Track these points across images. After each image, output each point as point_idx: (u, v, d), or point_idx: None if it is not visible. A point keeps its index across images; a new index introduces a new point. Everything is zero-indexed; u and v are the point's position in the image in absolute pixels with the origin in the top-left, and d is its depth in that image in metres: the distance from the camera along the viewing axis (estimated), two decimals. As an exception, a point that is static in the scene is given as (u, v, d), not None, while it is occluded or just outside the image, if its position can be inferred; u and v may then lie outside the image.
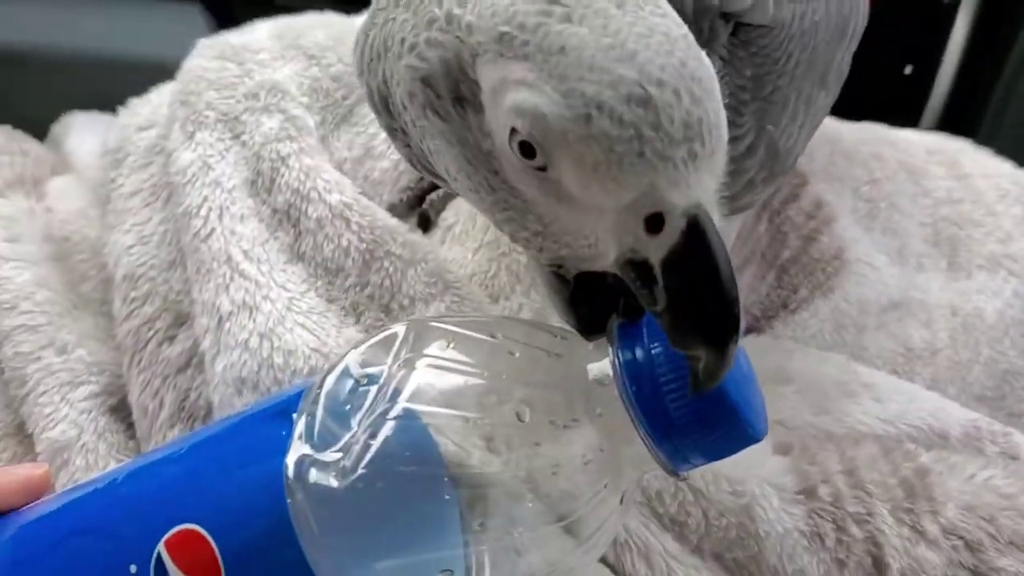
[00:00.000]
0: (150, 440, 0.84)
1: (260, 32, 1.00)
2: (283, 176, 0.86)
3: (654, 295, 0.46)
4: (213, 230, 0.84)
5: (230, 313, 0.80)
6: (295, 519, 0.49)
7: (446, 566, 0.49)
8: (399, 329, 0.55)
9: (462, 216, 0.91)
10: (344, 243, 0.83)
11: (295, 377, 0.76)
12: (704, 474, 0.71)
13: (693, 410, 0.48)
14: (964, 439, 0.80)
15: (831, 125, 1.08)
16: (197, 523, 0.50)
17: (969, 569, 0.69)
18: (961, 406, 0.86)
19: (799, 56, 0.67)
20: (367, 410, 0.50)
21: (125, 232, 0.93)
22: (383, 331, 0.55)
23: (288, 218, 0.85)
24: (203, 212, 0.85)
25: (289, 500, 0.49)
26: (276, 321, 0.78)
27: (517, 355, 0.53)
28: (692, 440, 0.49)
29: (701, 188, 0.45)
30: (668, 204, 0.44)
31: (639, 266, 0.46)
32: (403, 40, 0.53)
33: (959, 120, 1.56)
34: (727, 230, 0.78)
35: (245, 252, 0.83)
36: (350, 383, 0.52)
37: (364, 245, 0.82)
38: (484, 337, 0.54)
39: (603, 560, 0.70)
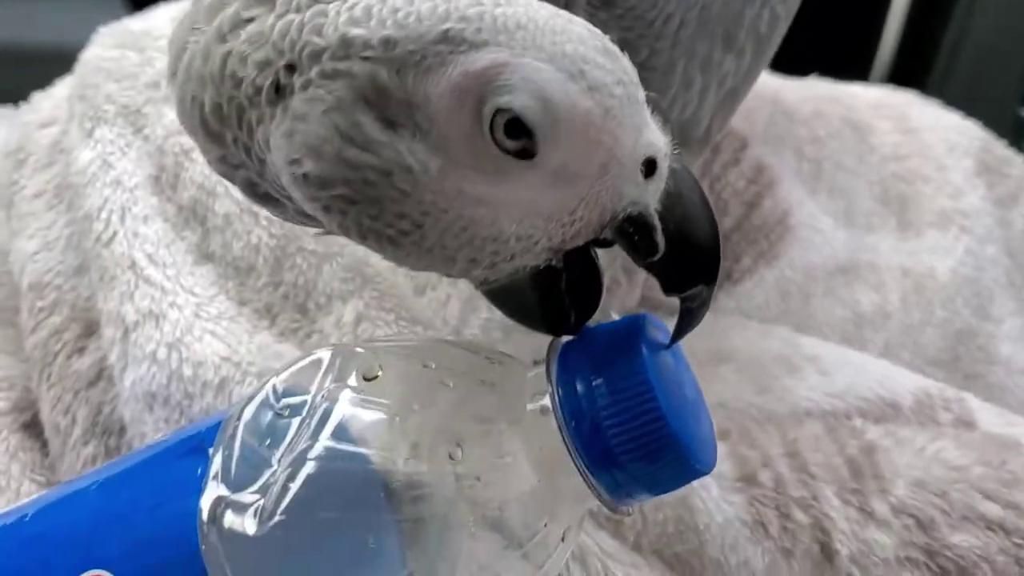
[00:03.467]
0: (63, 459, 0.79)
1: (161, 16, 0.94)
2: (187, 171, 0.81)
3: (654, 244, 0.46)
4: (115, 233, 0.79)
5: (136, 323, 0.75)
6: (209, 566, 0.46)
7: None
8: (324, 355, 0.51)
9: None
10: (254, 240, 0.78)
11: (206, 389, 0.71)
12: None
13: (634, 443, 0.45)
14: (916, 407, 0.77)
15: (771, 83, 1.04)
16: (107, 568, 0.47)
17: (921, 548, 0.66)
18: (915, 372, 0.83)
19: (683, 16, 0.63)
20: (288, 446, 0.46)
21: (29, 238, 0.87)
22: (307, 356, 0.51)
23: (195, 215, 0.80)
24: (104, 215, 0.80)
25: (203, 546, 0.46)
26: (184, 330, 0.73)
27: (451, 385, 0.49)
28: (633, 474, 0.46)
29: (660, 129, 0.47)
30: (655, 147, 0.46)
31: (635, 219, 0.46)
32: (273, 84, 0.46)
33: (908, 70, 1.53)
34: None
35: (149, 256, 0.77)
36: (270, 415, 0.48)
37: (275, 241, 0.78)
38: (416, 366, 0.50)
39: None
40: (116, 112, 0.85)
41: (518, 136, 0.43)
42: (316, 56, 0.44)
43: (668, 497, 0.66)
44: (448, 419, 0.47)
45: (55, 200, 0.88)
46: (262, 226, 0.78)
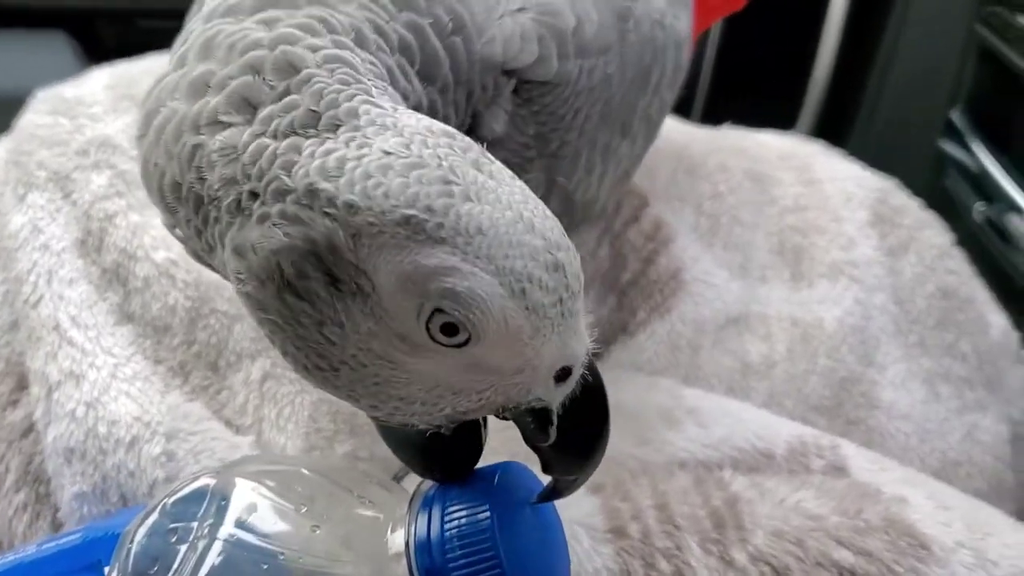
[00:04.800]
0: (-5, 507, 0.84)
1: (95, 82, 0.99)
2: (111, 235, 0.86)
3: (546, 434, 0.51)
4: (42, 296, 0.84)
5: (58, 382, 0.80)
6: None
7: None
8: (208, 483, 0.54)
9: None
10: (171, 301, 0.83)
11: (118, 446, 0.76)
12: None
13: None
14: (789, 456, 0.82)
15: (679, 136, 1.09)
16: None
17: None
18: (796, 419, 0.88)
19: (589, 110, 0.68)
20: (175, 574, 0.50)
21: (-32, 294, 0.92)
22: (193, 481, 0.55)
23: (117, 277, 0.85)
24: (32, 277, 0.85)
25: None
26: (101, 390, 0.78)
27: (319, 532, 0.53)
28: None
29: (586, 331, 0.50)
30: (575, 358, 0.49)
31: (535, 411, 0.51)
32: (234, 201, 0.49)
33: (837, 105, 1.58)
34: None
35: (72, 318, 0.82)
36: (161, 538, 0.52)
37: (190, 303, 0.83)
38: (289, 506, 0.53)
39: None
40: (47, 178, 0.90)
41: (451, 334, 0.46)
42: (280, 194, 0.46)
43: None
44: (314, 562, 0.51)
45: (-8, 259, 0.93)
46: (179, 288, 0.83)
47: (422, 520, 0.52)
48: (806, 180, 1.08)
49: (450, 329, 0.46)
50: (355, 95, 0.49)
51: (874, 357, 0.97)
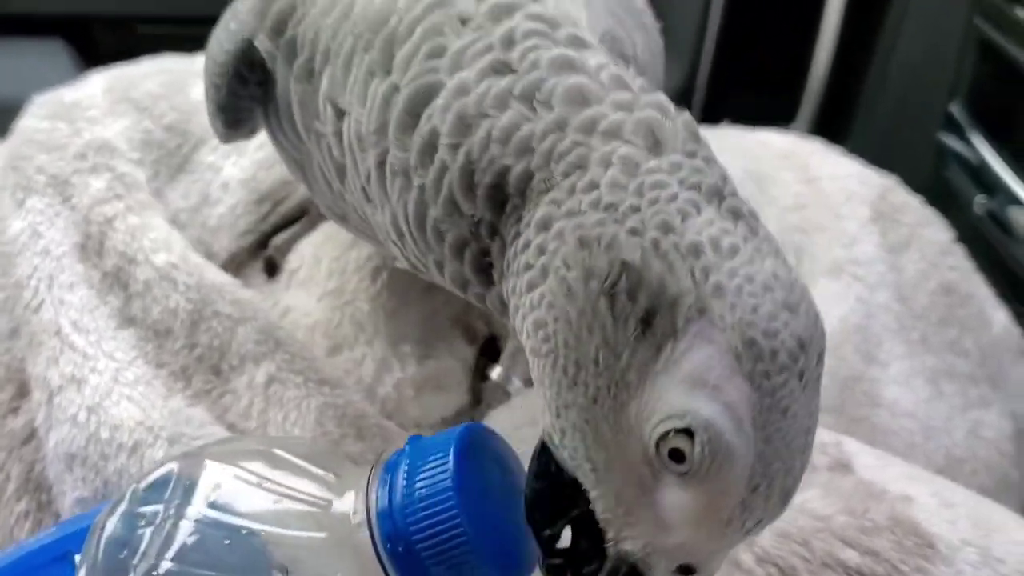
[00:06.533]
0: (-3, 515, 0.84)
1: (93, 86, 0.99)
2: (111, 239, 0.86)
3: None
4: (43, 301, 0.84)
5: (60, 387, 0.79)
6: None
7: None
8: (173, 467, 0.54)
9: (306, 260, 0.91)
10: (172, 304, 0.83)
11: (120, 451, 0.76)
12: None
13: (442, 557, 0.49)
14: None
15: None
16: None
17: None
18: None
19: None
20: (142, 557, 0.50)
21: (-33, 301, 0.92)
22: (160, 467, 0.54)
23: (118, 281, 0.85)
24: (32, 282, 0.84)
25: None
26: (103, 395, 0.78)
27: (290, 507, 0.53)
28: None
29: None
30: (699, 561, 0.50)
31: (631, 567, 0.50)
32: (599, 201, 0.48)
33: (837, 98, 1.58)
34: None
35: (74, 322, 0.82)
36: (128, 525, 0.52)
37: (192, 306, 0.82)
38: (252, 484, 0.53)
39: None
40: (46, 182, 0.89)
41: (678, 460, 0.46)
42: (663, 228, 0.47)
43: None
44: (279, 538, 0.51)
45: (-9, 265, 0.93)
46: (180, 291, 0.83)
47: (383, 487, 0.51)
48: (806, 179, 1.08)
49: (677, 456, 0.46)
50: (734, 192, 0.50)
51: (877, 355, 0.97)
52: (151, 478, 0.54)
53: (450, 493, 0.49)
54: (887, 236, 1.04)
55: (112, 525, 0.52)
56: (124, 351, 0.82)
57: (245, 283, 0.88)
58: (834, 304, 0.97)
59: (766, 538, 0.72)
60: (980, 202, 1.42)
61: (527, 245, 0.51)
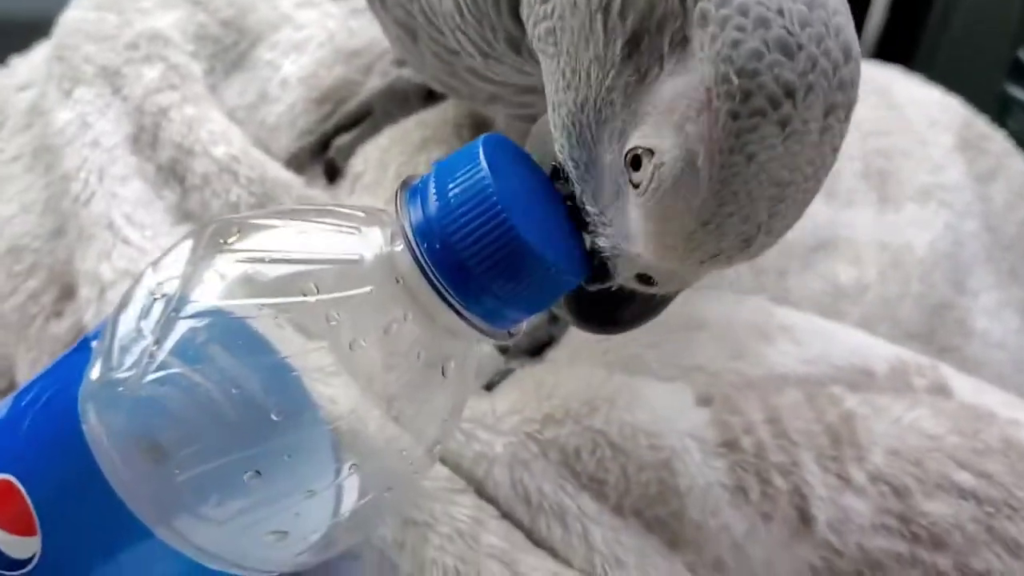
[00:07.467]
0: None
1: (143, -23, 0.93)
2: (165, 130, 0.81)
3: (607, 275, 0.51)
4: (93, 193, 0.78)
5: (112, 282, 0.74)
6: (94, 448, 0.46)
7: (256, 467, 0.45)
8: (192, 235, 0.52)
9: (372, 164, 0.86)
10: (233, 198, 0.78)
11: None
12: (622, 428, 0.68)
13: (490, 260, 0.46)
14: (891, 374, 0.77)
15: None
16: (10, 472, 0.47)
17: (896, 515, 0.66)
18: (888, 343, 0.83)
19: None
20: (159, 318, 0.47)
21: (8, 201, 0.86)
22: (180, 240, 0.51)
23: (174, 175, 0.80)
24: (82, 174, 0.79)
25: (84, 426, 0.46)
26: None
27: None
28: (498, 292, 0.46)
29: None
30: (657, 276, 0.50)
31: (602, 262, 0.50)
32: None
33: (896, 45, 1.53)
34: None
35: (127, 216, 0.77)
36: (145, 296, 0.49)
37: (254, 199, 0.77)
38: (277, 223, 0.51)
39: (518, 522, 0.66)
40: (95, 73, 0.84)
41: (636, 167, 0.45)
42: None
43: (650, 460, 0.66)
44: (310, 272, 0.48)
45: (33, 162, 0.87)
46: (241, 184, 0.78)
47: (414, 206, 0.47)
48: (887, 104, 1.03)
49: (636, 163, 0.45)
50: None
51: (967, 284, 0.92)
52: (167, 252, 0.51)
53: (487, 182, 0.46)
54: (973, 165, 0.99)
55: (128, 299, 0.49)
56: None
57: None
58: (922, 229, 0.93)
59: (878, 455, 0.68)
60: (1045, 154, 1.37)
61: None
